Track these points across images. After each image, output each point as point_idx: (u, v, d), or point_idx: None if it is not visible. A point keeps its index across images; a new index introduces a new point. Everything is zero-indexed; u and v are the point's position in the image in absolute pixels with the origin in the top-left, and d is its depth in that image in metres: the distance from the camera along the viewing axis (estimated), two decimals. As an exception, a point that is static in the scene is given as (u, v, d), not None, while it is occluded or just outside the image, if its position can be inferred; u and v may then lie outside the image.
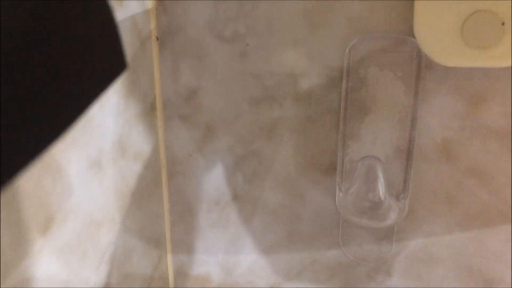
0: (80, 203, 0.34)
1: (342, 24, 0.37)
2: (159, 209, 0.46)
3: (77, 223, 0.34)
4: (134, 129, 0.40)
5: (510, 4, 0.29)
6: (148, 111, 0.42)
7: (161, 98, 0.43)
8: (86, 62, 0.16)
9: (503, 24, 0.30)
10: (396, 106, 0.37)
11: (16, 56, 0.12)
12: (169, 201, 0.47)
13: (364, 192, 0.37)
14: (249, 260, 0.46)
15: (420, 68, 0.36)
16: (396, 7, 0.35)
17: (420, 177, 0.39)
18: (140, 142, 0.42)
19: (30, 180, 0.29)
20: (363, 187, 0.36)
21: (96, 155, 0.35)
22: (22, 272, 0.29)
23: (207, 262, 0.48)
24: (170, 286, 0.50)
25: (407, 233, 0.41)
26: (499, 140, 0.36)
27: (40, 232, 0.30)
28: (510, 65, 0.31)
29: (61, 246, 0.32)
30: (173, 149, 0.45)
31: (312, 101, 0.40)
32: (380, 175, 0.35)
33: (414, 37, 0.34)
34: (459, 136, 0.37)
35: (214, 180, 0.44)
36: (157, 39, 0.41)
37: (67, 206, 0.32)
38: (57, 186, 0.31)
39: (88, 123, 0.34)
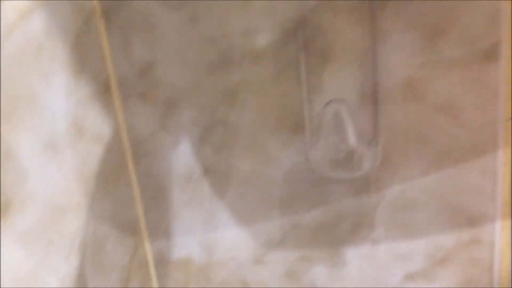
0: (38, 188, 0.32)
1: (290, -27, 0.36)
2: (129, 194, 0.44)
3: (37, 208, 0.32)
4: (90, 110, 0.38)
5: None
6: (103, 92, 0.40)
7: (115, 76, 0.41)
8: None
9: None
10: (355, 50, 0.36)
11: None
12: (139, 185, 0.45)
13: (334, 143, 0.36)
14: (229, 235, 0.45)
15: (373, 8, 0.35)
16: None
17: (389, 121, 0.38)
18: (99, 124, 0.40)
19: (-24, 163, 0.27)
20: (333, 136, 0.35)
21: (49, 137, 0.33)
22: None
23: (186, 244, 0.46)
24: (151, 274, 0.48)
25: (383, 181, 0.40)
26: (461, 71, 0.36)
27: (-5, 219, 0.28)
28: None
29: (23, 232, 0.30)
30: (135, 129, 0.43)
31: (271, 59, 0.38)
32: (347, 117, 0.34)
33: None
34: (422, 72, 0.36)
35: (182, 156, 0.43)
36: (102, 14, 0.39)
37: (24, 191, 0.30)
38: (9, 169, 0.29)
39: (34, 102, 0.32)
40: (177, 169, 0.43)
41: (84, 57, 0.37)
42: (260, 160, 0.42)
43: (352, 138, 0.34)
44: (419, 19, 0.35)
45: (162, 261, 0.47)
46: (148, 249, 0.47)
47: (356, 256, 0.43)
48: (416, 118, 0.38)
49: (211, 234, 0.45)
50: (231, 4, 0.37)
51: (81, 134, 0.37)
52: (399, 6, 0.35)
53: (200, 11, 0.38)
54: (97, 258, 0.39)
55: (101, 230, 0.40)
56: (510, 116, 0.36)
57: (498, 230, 0.39)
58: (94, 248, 0.38)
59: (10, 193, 0.29)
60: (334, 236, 0.43)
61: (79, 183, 0.37)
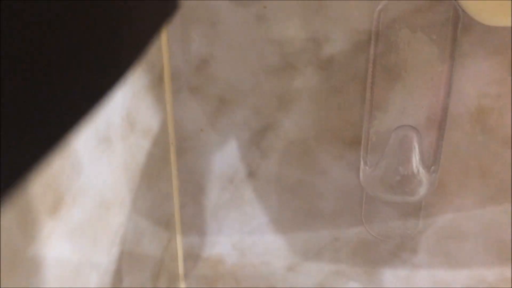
0: (89, 183, 0.31)
1: (369, -17, 0.34)
2: (168, 188, 0.43)
3: (87, 204, 0.31)
4: (142, 103, 0.37)
5: None
6: (157, 83, 0.39)
7: (170, 68, 0.40)
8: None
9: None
10: (429, 72, 0.35)
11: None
12: (179, 180, 0.44)
13: (395, 166, 0.34)
14: (265, 240, 0.44)
15: (456, 29, 0.33)
16: (431, -38, 0.32)
17: (452, 149, 0.36)
18: (149, 117, 0.38)
19: (37, 157, 0.25)
20: (395, 160, 0.34)
21: (105, 130, 0.32)
22: (31, 257, 0.26)
23: (219, 243, 0.45)
24: (180, 269, 0.47)
25: (435, 208, 0.39)
26: (539, 107, 0.34)
27: (49, 214, 0.27)
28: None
29: (72, 228, 0.29)
30: (182, 124, 0.41)
31: (336, 69, 0.37)
32: (416, 146, 0.33)
33: (451, -5, 0.31)
34: (496, 104, 0.35)
35: (228, 156, 0.42)
36: (165, 3, 0.37)
37: (77, 186, 0.29)
38: (66, 164, 0.28)
39: (96, 94, 0.30)
40: (221, 168, 0.42)
41: (143, 47, 0.36)
42: (308, 171, 0.40)
43: (415, 164, 0.33)
44: (502, 48, 0.33)
45: (192, 257, 0.47)
46: (180, 243, 0.46)
47: (393, 278, 0.42)
48: (481, 150, 0.36)
49: (246, 237, 0.44)
50: (304, 7, 0.35)
51: (132, 127, 0.36)
52: (484, 33, 0.33)
53: (269, 11, 0.36)
54: (134, 252, 0.38)
55: (140, 224, 0.39)
56: None
57: (547, 272, 0.38)
58: (132, 243, 0.38)
59: (64, 188, 0.28)
60: (373, 255, 0.42)
61: (126, 177, 0.36)
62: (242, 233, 0.44)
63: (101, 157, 0.32)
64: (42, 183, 0.26)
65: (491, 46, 0.33)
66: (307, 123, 0.39)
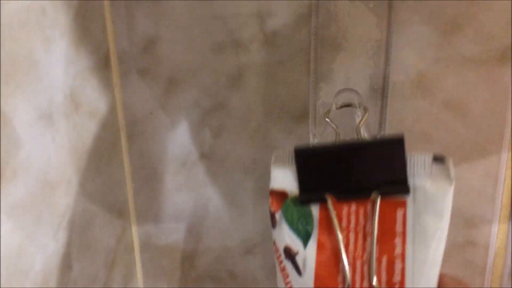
0: (31, 159, 0.30)
1: (307, -43, 0.35)
2: (120, 175, 0.42)
3: (29, 180, 0.30)
4: (87, 84, 0.36)
5: None
6: (102, 65, 0.38)
7: (116, 50, 0.39)
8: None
9: None
10: (369, 40, 0.36)
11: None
12: (131, 166, 0.43)
13: (340, 135, 0.35)
14: (222, 222, 0.44)
15: (391, -2, 0.34)
16: None
17: (396, 116, 0.37)
18: (96, 99, 0.38)
19: (-31, 126, 0.25)
20: (339, 128, 0.34)
21: (46, 106, 0.31)
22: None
23: (175, 230, 0.45)
24: (136, 260, 0.46)
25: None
26: (474, 69, 0.35)
27: (-15, 187, 0.26)
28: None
29: (12, 204, 0.28)
30: (132, 107, 0.41)
31: (281, 43, 0.37)
32: (358, 109, 0.33)
33: (384, -37, 0.32)
34: (434, 68, 0.36)
35: (179, 139, 0.41)
36: (107, -17, 0.37)
37: (16, 160, 0.28)
38: (3, 136, 0.27)
39: (34, 67, 0.30)
40: (173, 151, 0.42)
41: (85, 27, 0.35)
42: (260, 148, 0.40)
43: (362, 132, 0.34)
44: (436, 13, 0.34)
45: (148, 246, 0.46)
46: (135, 233, 0.45)
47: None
48: (423, 115, 0.37)
49: (202, 221, 0.44)
50: (244, -17, 0.36)
51: (77, 108, 0.35)
52: (418, -1, 0.34)
53: (211, -12, 0.36)
54: (84, 238, 0.37)
55: (90, 209, 0.38)
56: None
57: (494, 233, 0.39)
58: (81, 228, 0.37)
59: (3, 161, 0.27)
60: (329, 230, 0.42)
61: (72, 158, 0.35)
62: (198, 217, 0.44)
63: (43, 134, 0.31)
64: (-25, 152, 0.25)
65: (426, 11, 0.34)
66: (256, 99, 0.39)
